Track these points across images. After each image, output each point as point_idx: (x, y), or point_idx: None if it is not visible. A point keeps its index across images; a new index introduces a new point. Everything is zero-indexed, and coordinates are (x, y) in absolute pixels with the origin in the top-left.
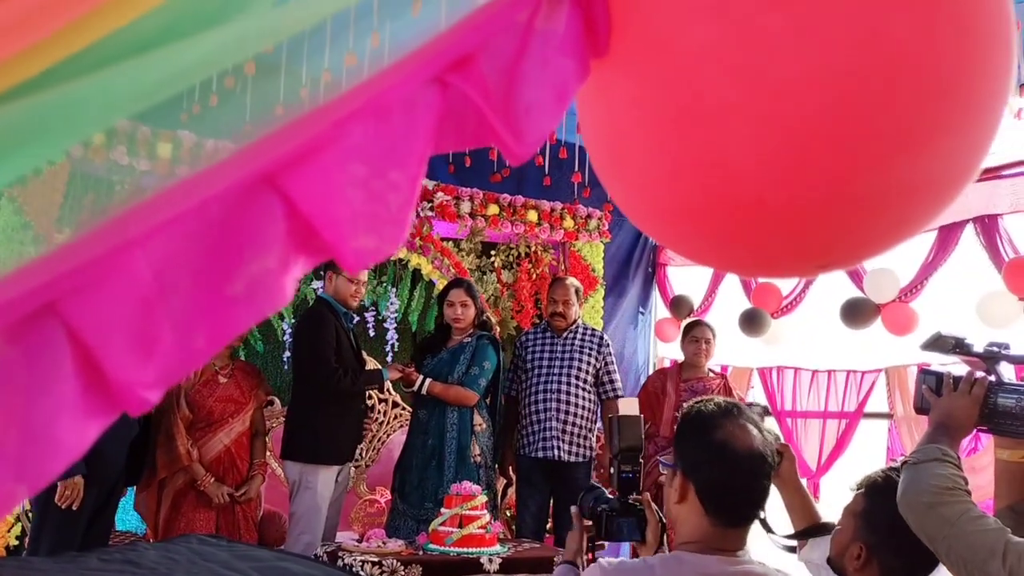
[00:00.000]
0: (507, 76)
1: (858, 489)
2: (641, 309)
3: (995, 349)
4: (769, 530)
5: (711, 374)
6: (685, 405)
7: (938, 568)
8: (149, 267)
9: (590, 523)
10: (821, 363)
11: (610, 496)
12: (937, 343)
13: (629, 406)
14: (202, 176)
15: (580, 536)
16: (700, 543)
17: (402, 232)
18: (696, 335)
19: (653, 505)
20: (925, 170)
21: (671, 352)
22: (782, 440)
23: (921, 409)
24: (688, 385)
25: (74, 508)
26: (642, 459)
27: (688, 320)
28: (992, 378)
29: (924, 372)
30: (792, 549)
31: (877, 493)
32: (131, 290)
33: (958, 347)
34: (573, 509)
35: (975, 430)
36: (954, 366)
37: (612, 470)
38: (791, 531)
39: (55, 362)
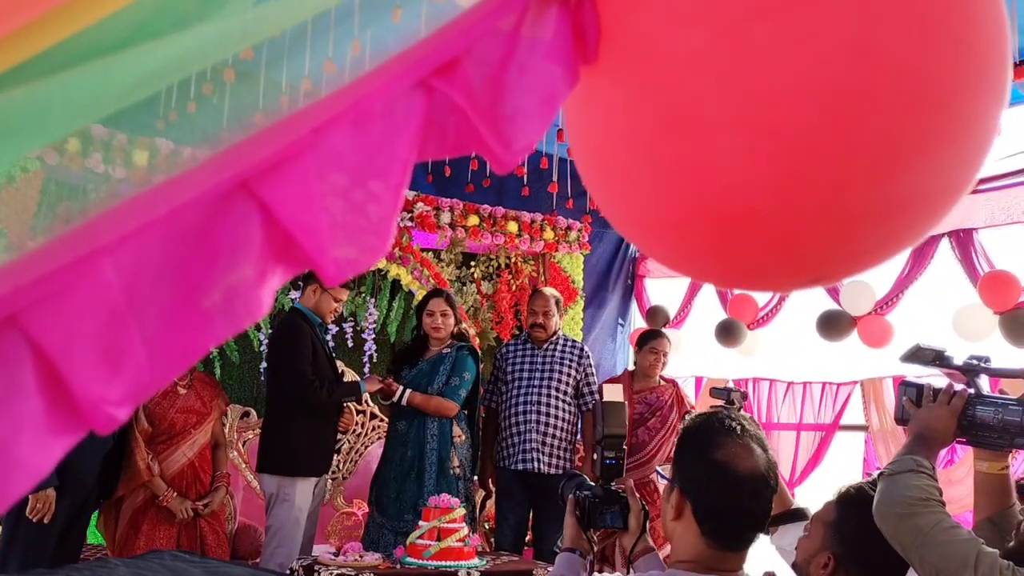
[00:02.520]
0: (494, 82)
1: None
2: (620, 321)
3: (975, 362)
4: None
5: (662, 382)
6: (687, 418)
7: None
8: (118, 277)
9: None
10: (797, 375)
11: (591, 483)
12: (916, 355)
13: (614, 392)
14: (174, 183)
15: (576, 523)
16: (696, 563)
17: (384, 242)
18: (655, 347)
19: (636, 492)
20: (919, 183)
21: None
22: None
23: (902, 420)
24: (641, 396)
25: (45, 521)
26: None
27: (645, 330)
28: (971, 391)
29: (905, 384)
30: (765, 533)
31: (849, 505)
32: (99, 301)
33: (938, 359)
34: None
35: (954, 442)
36: (935, 379)
37: (595, 456)
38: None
39: (16, 377)
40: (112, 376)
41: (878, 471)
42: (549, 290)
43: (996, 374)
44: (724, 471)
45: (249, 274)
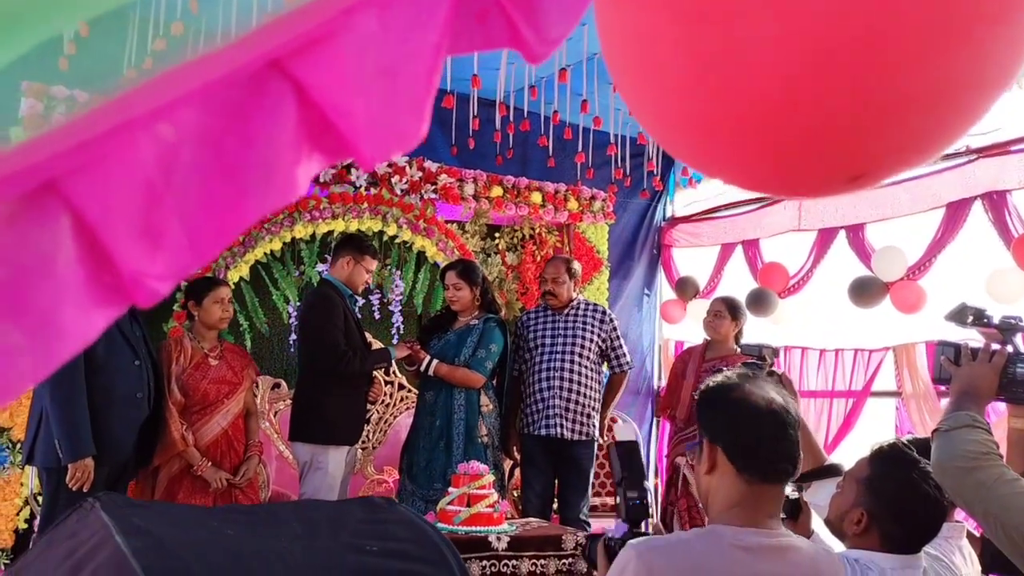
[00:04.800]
0: None
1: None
2: (647, 291)
3: (1012, 321)
4: None
5: (738, 351)
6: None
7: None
8: (155, 152)
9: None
10: (828, 342)
11: (612, 536)
12: (959, 314)
13: (625, 432)
14: (205, 60)
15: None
16: (736, 508)
17: (419, 128)
18: (708, 308)
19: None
20: (964, 68)
21: (676, 334)
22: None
23: (940, 379)
24: (710, 365)
25: (84, 490)
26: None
27: None
28: (1010, 349)
29: (942, 344)
30: (798, 490)
31: (883, 462)
32: (137, 175)
33: (977, 318)
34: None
35: (994, 399)
36: (970, 340)
37: (618, 499)
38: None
39: (58, 243)
40: (153, 250)
41: (910, 434)
42: (561, 256)
43: None
44: (743, 407)
45: (285, 153)
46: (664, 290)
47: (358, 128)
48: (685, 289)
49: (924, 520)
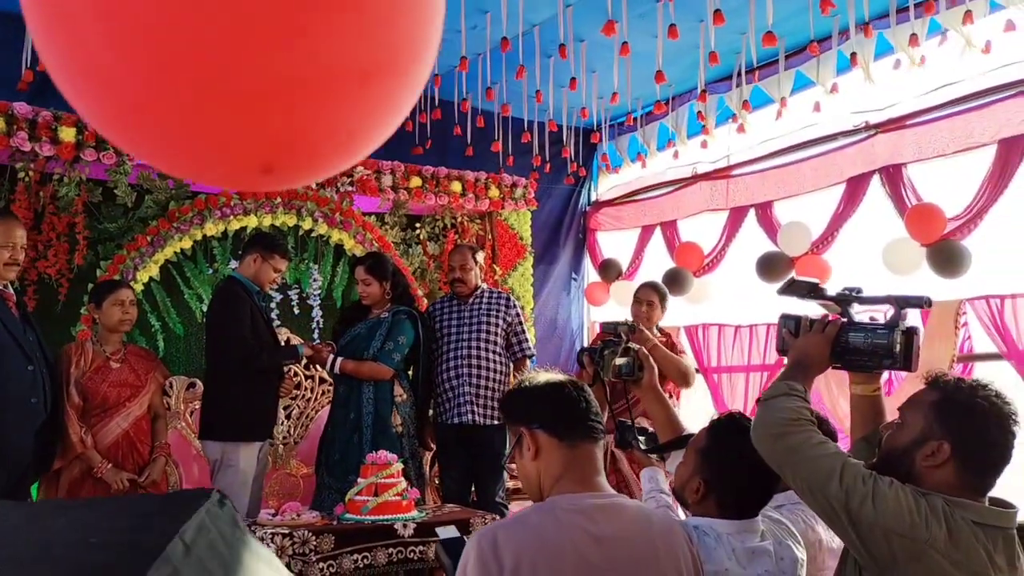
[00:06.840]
0: None
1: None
2: (574, 275)
3: (847, 292)
4: (632, 442)
5: (658, 334)
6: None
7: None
8: None
9: None
10: (742, 318)
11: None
12: (792, 287)
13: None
14: None
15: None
16: (567, 475)
17: None
18: (639, 296)
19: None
20: (311, 62)
21: (602, 316)
22: (637, 348)
23: (782, 351)
24: None
25: None
26: None
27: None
28: (844, 319)
29: (784, 317)
30: (663, 459)
31: (718, 432)
32: None
33: (812, 291)
34: None
35: (830, 367)
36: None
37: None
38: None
39: None
40: None
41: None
42: (467, 244)
43: (868, 302)
44: (545, 387)
45: None
46: (590, 273)
47: None
48: (608, 271)
49: (754, 487)
